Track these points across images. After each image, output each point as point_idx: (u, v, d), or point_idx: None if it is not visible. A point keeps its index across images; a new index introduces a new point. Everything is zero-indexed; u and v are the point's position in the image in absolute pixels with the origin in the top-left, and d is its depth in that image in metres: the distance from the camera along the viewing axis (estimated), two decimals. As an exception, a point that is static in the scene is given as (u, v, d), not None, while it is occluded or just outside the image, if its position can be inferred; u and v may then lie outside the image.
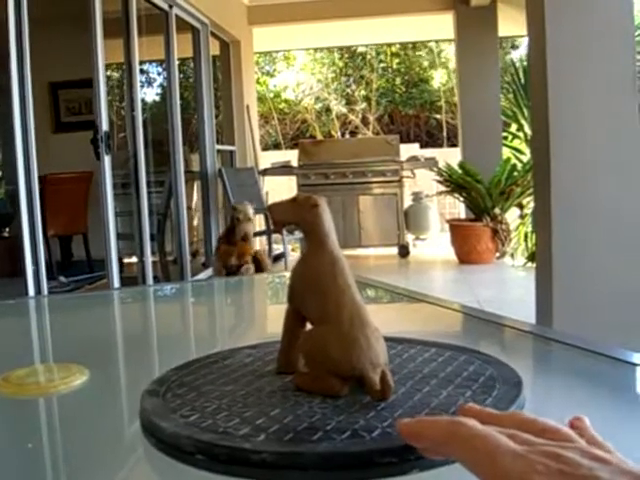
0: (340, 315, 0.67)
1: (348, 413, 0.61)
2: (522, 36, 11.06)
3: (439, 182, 8.22)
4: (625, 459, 0.40)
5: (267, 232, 7.10)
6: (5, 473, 0.61)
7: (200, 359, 0.81)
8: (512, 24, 8.82)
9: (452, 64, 13.17)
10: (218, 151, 7.62)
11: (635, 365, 0.82)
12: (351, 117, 14.90)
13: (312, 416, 0.61)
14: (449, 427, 0.45)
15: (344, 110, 15.05)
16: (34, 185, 4.03)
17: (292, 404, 0.64)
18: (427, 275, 7.71)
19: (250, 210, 4.87)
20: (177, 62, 6.48)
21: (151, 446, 0.61)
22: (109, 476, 0.61)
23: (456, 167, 7.86)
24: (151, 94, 11.64)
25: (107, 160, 4.73)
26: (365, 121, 14.83)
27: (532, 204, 6.02)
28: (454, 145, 11.21)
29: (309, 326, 0.72)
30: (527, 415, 0.47)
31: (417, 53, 15.24)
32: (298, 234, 6.17)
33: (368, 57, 15.17)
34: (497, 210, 7.50)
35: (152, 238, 5.68)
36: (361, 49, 15.02)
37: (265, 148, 13.17)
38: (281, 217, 0.73)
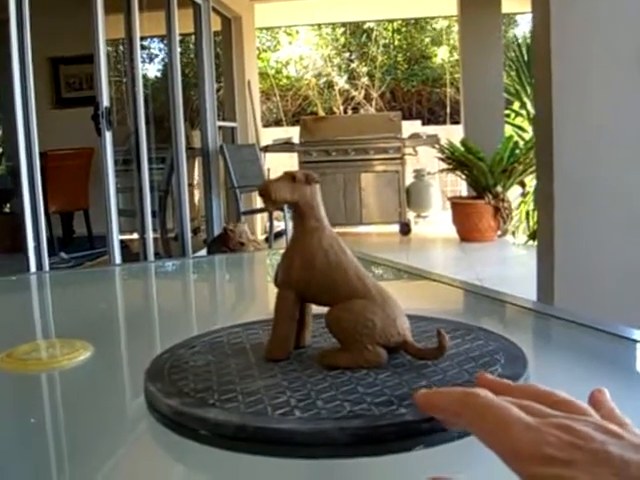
0: (368, 288, 0.68)
1: (427, 377, 0.64)
2: (526, 13, 10.97)
3: (441, 159, 8.19)
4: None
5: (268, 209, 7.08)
6: (8, 448, 0.62)
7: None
8: (516, 0, 8.74)
9: (453, 40, 13.09)
10: (219, 127, 7.59)
11: (636, 342, 0.82)
12: (354, 93, 14.82)
13: (400, 383, 0.62)
14: (462, 397, 0.45)
15: (346, 86, 14.96)
16: (35, 161, 4.02)
17: (357, 379, 0.64)
18: (428, 253, 7.71)
19: (247, 233, 5.11)
20: (178, 38, 6.43)
21: (155, 421, 0.61)
22: (113, 451, 0.61)
23: (458, 144, 7.83)
24: (152, 70, 11.58)
25: (108, 136, 4.71)
26: (368, 97, 14.75)
27: (534, 182, 6.01)
28: (456, 122, 11.16)
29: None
30: (542, 387, 0.47)
31: (423, 28, 15.10)
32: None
33: (375, 33, 15.04)
34: (499, 188, 7.48)
35: (153, 215, 5.67)
36: (366, 25, 14.90)
37: (266, 125, 13.11)
38: (281, 196, 0.69)
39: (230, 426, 0.56)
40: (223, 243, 5.15)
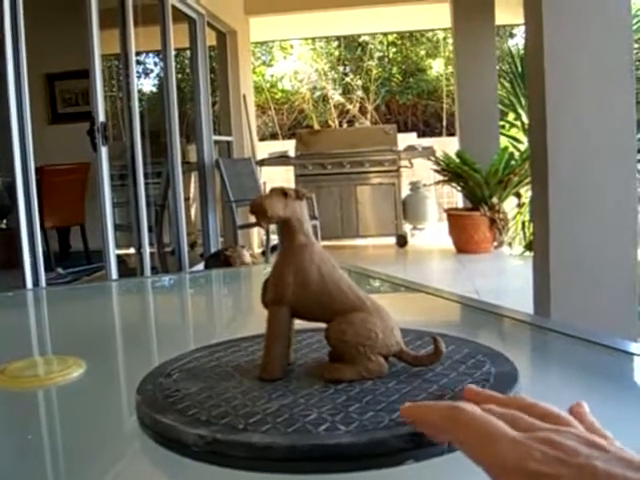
0: (362, 301, 0.69)
1: (433, 382, 0.65)
2: (519, 25, 11.03)
3: (436, 171, 8.21)
4: (623, 447, 0.40)
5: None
6: (4, 464, 0.61)
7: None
8: (509, 12, 8.79)
9: (448, 52, 13.14)
10: (215, 142, 7.59)
11: (632, 355, 0.82)
12: (348, 106, 14.86)
13: (414, 389, 0.63)
14: (448, 412, 0.45)
15: (341, 99, 15.00)
16: (31, 177, 4.01)
17: (370, 390, 0.64)
18: (425, 265, 7.71)
19: (247, 256, 5.07)
20: (173, 53, 6.45)
21: (148, 438, 0.61)
22: (106, 467, 0.61)
23: (453, 156, 7.85)
24: (148, 85, 11.61)
25: (104, 151, 4.71)
26: (363, 110, 14.79)
27: (529, 193, 6.02)
28: (452, 134, 11.19)
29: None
30: (528, 399, 0.47)
31: (419, 41, 15.17)
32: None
33: (369, 46, 15.09)
34: (495, 199, 7.49)
35: (150, 229, 5.67)
36: (361, 38, 14.95)
37: (262, 138, 13.14)
38: (275, 212, 0.68)
39: (279, 448, 0.54)
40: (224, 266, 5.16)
